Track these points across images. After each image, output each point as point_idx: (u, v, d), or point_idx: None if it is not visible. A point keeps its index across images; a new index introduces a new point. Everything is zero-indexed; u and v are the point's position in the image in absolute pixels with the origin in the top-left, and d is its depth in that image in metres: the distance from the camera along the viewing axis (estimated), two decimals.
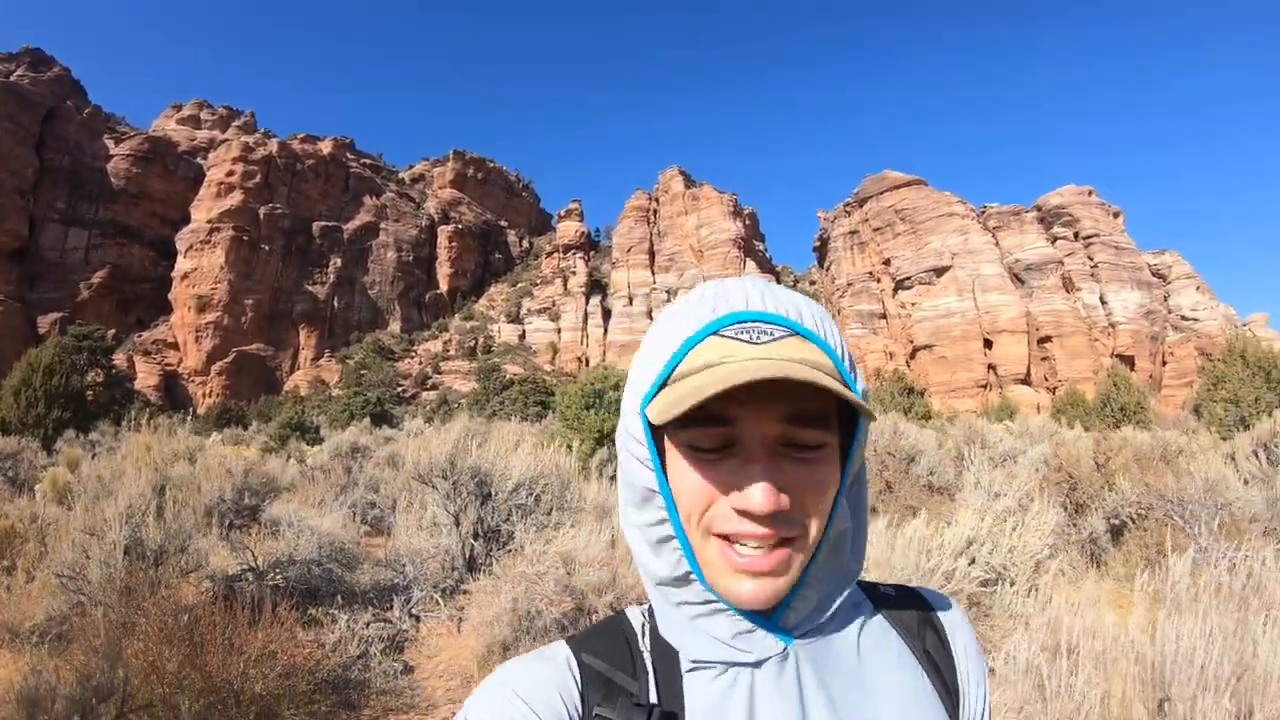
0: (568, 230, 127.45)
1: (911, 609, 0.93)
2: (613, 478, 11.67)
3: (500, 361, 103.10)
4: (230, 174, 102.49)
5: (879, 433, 12.95)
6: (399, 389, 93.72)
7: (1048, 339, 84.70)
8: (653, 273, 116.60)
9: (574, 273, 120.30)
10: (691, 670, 0.79)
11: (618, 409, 15.28)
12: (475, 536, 7.65)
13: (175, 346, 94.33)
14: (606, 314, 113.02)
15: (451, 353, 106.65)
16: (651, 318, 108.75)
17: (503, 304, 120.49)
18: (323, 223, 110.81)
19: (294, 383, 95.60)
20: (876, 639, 0.87)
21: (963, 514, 5.82)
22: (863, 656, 0.84)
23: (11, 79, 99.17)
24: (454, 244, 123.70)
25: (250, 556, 6.61)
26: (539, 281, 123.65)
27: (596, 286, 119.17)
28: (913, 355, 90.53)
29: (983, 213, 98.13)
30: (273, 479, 10.44)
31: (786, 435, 0.73)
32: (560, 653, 0.82)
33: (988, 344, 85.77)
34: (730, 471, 0.72)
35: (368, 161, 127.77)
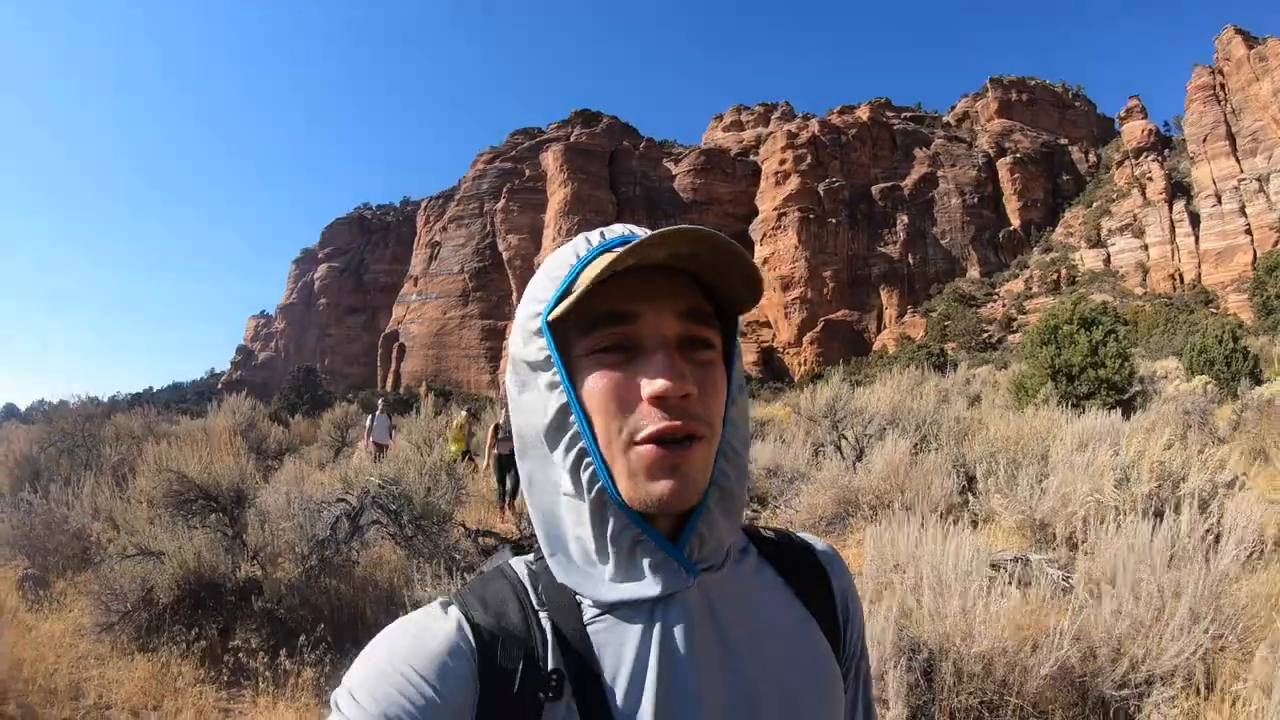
0: (1133, 132, 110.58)
1: (792, 552, 0.94)
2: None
3: (1085, 292, 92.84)
4: (782, 162, 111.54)
5: None
6: (984, 335, 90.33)
7: None
8: (1236, 160, 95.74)
9: (1150, 179, 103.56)
10: (597, 618, 0.77)
11: (1071, 343, 15.52)
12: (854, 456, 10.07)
13: (768, 325, 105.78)
14: (1195, 219, 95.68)
15: (1034, 290, 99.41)
16: (1246, 214, 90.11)
17: (1080, 229, 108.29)
18: (880, 185, 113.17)
19: (881, 342, 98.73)
20: (763, 579, 0.88)
21: None
22: (752, 595, 0.85)
23: (572, 139, 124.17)
24: (1015, 175, 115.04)
25: None
26: (1115, 197, 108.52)
27: (1179, 189, 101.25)
28: None
29: None
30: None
31: (683, 331, 0.74)
32: (449, 614, 0.77)
33: None
34: (638, 369, 0.73)
35: (908, 114, 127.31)
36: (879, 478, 8.02)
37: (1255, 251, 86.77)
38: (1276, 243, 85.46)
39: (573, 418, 0.74)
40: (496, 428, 12.17)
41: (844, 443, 10.47)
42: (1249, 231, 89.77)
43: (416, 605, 5.10)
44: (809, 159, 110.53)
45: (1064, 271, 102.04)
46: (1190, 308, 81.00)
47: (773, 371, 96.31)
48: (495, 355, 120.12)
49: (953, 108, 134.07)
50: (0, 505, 7.72)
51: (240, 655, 4.83)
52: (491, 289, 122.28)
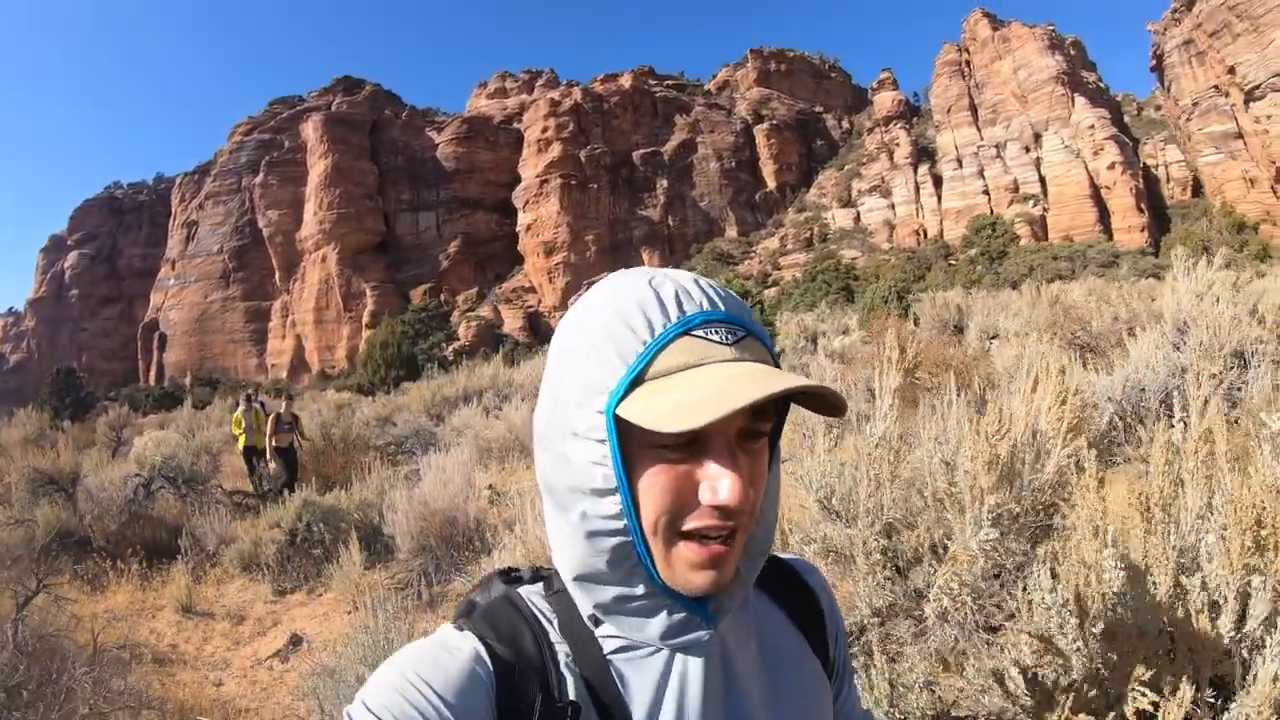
0: (884, 102, 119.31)
1: (782, 577, 0.97)
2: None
3: (836, 248, 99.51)
4: (545, 130, 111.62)
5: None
6: (741, 291, 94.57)
7: None
8: (978, 129, 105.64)
9: (898, 144, 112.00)
10: (618, 651, 0.78)
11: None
12: None
13: (533, 290, 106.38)
14: (938, 181, 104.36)
15: (789, 247, 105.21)
16: (984, 177, 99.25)
17: (833, 190, 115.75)
18: (641, 151, 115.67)
19: None
20: (762, 608, 0.91)
21: None
22: (755, 627, 0.87)
23: (333, 109, 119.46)
24: (772, 140, 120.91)
25: None
26: (865, 160, 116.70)
27: (924, 154, 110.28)
28: (1278, 179, 73.68)
29: None
30: (511, 382, 18.35)
31: (747, 426, 0.72)
32: (465, 639, 0.76)
33: None
34: (696, 467, 0.71)
35: (670, 83, 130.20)
36: (505, 429, 12.09)
37: (992, 210, 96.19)
38: (1011, 203, 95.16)
39: (618, 496, 0.71)
40: (277, 417, 12.05)
41: (506, 405, 14.83)
42: (986, 192, 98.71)
43: (192, 534, 8.49)
44: (571, 126, 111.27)
45: (816, 229, 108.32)
46: (930, 262, 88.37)
47: (539, 336, 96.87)
48: (261, 338, 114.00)
49: (714, 77, 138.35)
50: None
51: (94, 568, 8.00)
52: (253, 268, 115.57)
